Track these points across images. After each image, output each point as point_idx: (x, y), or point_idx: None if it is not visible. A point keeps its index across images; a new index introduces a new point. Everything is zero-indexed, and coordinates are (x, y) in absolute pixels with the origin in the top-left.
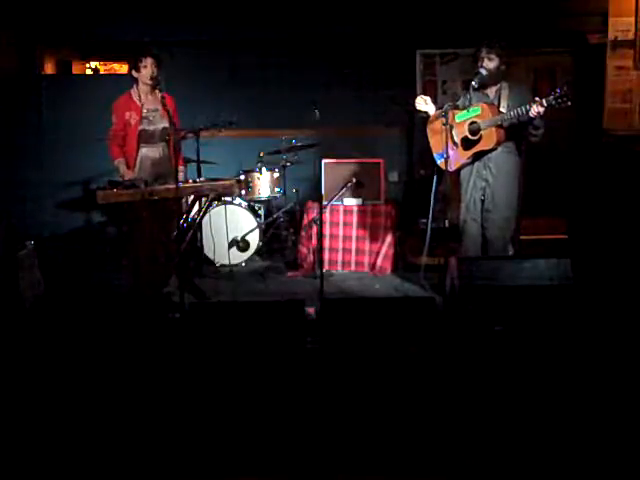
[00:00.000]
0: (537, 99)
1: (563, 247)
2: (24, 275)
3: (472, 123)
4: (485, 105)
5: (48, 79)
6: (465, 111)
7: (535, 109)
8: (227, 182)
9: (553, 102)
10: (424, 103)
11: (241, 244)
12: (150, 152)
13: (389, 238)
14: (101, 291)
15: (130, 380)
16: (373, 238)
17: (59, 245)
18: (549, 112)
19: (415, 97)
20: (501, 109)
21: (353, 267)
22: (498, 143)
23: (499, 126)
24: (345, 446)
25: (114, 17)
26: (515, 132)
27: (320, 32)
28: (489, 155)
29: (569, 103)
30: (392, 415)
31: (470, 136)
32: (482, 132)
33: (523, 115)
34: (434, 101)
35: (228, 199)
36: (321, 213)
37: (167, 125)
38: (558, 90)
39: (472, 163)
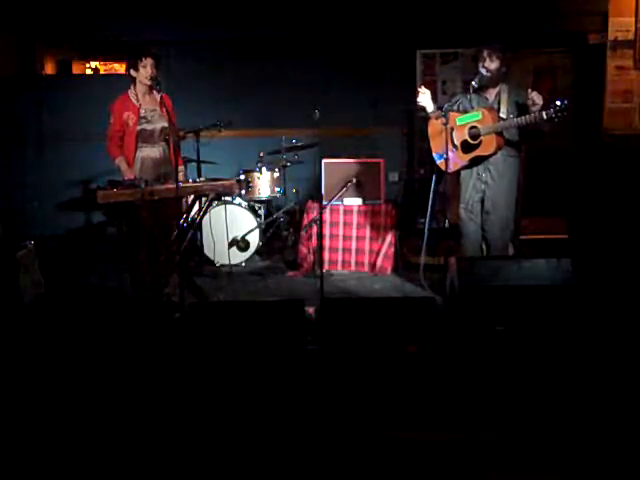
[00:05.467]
0: (536, 111)
1: (563, 247)
2: (24, 275)
3: (472, 127)
4: (486, 111)
5: (48, 79)
6: (466, 114)
7: (535, 121)
8: (227, 182)
9: (553, 115)
10: (423, 97)
11: (241, 244)
12: (150, 152)
13: (389, 238)
14: (101, 291)
15: (130, 380)
16: (373, 238)
17: (59, 245)
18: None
19: (416, 96)
20: (500, 114)
21: (353, 267)
22: (498, 149)
23: (499, 133)
24: (344, 445)
25: (114, 17)
26: (516, 136)
27: (320, 32)
28: (490, 159)
29: (569, 117)
30: (392, 415)
31: (470, 140)
32: (482, 137)
33: (523, 124)
34: (434, 100)
35: (228, 199)
36: (321, 213)
37: (166, 125)
38: (559, 103)
39: (471, 167)
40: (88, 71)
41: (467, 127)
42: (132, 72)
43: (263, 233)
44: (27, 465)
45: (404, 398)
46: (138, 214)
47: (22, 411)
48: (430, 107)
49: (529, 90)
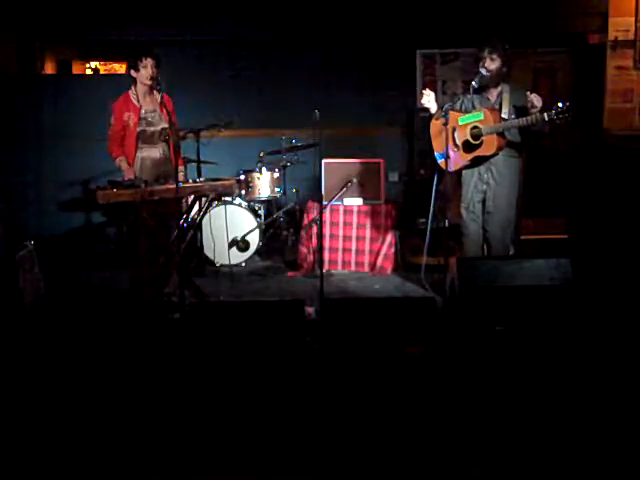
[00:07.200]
0: (537, 112)
1: (563, 247)
2: (24, 275)
3: (474, 127)
4: (488, 111)
5: (48, 79)
6: (468, 114)
7: (536, 122)
8: (227, 182)
9: (554, 117)
10: (427, 98)
11: (241, 244)
12: (150, 152)
13: (389, 238)
14: (101, 291)
15: (130, 380)
16: (373, 238)
17: (59, 245)
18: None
19: (416, 96)
20: (502, 115)
21: (353, 267)
22: (499, 149)
23: (500, 133)
24: (345, 446)
25: (114, 17)
26: (517, 137)
27: (320, 32)
28: (491, 159)
29: (570, 119)
30: (392, 415)
31: (472, 140)
32: (483, 138)
33: (524, 125)
34: (435, 100)
35: (228, 199)
36: (321, 213)
37: (166, 125)
38: (561, 105)
39: (471, 167)
40: (88, 71)
41: (469, 127)
42: (132, 72)
43: (263, 233)
44: (28, 465)
45: (403, 397)
46: (138, 214)
47: (22, 410)
48: (434, 108)
49: (528, 92)
